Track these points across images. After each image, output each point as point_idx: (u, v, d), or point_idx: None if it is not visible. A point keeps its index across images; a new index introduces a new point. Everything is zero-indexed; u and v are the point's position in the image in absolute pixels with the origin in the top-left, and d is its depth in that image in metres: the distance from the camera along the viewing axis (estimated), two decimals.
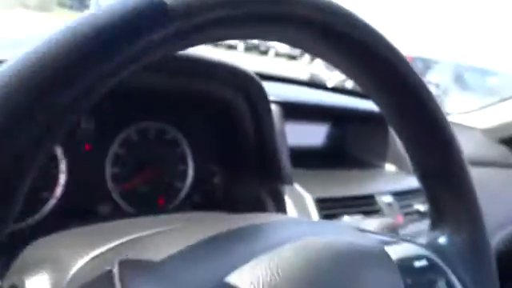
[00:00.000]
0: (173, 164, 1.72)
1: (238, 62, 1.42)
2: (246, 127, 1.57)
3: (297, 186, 1.75)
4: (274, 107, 1.74)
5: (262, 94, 1.52)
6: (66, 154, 1.45)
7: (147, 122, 1.66)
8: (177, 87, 1.47)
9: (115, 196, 1.56)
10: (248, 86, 1.47)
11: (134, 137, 1.63)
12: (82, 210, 1.48)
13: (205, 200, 1.77)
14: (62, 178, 1.44)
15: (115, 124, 1.57)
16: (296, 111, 2.04)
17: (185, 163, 1.76)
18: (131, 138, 1.62)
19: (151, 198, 1.66)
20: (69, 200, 1.45)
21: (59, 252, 0.60)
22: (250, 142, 1.61)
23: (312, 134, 2.41)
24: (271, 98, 1.60)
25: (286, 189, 1.71)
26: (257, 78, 1.47)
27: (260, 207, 1.67)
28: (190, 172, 1.76)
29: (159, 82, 1.42)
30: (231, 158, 1.81)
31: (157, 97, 1.57)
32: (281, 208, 1.67)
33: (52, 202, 1.42)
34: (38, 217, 1.39)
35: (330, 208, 1.72)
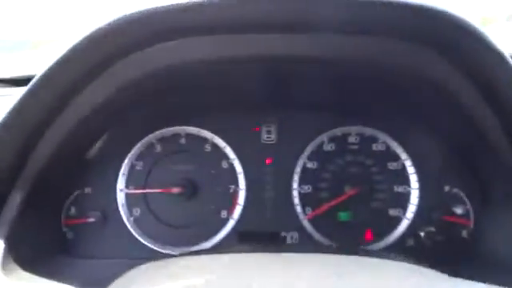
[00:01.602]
0: (387, 184, 1.23)
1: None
2: (490, 130, 0.92)
3: None
4: None
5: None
6: (245, 168, 1.24)
7: (346, 128, 1.26)
8: (376, 69, 0.99)
9: (304, 222, 1.23)
10: (483, 56, 0.83)
11: (329, 146, 1.26)
12: (266, 234, 1.22)
13: (439, 240, 1.18)
14: (242, 196, 1.24)
15: (302, 132, 1.25)
16: None
17: (406, 183, 1.23)
18: (324, 148, 1.26)
19: (354, 230, 1.22)
20: (249, 221, 1.22)
21: None
22: (500, 151, 0.93)
23: None
24: None
25: None
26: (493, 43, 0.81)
27: None
28: (415, 196, 1.22)
29: (350, 64, 0.98)
30: (479, 175, 1.14)
31: (352, 90, 1.14)
32: None
33: (231, 223, 1.23)
34: (216, 238, 1.22)
35: None
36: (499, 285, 0.87)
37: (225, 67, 0.94)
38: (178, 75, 0.97)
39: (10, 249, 0.95)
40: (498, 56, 0.80)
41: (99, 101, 0.95)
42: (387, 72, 0.93)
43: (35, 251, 1.04)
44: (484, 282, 0.89)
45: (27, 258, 0.99)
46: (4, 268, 0.92)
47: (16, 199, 0.98)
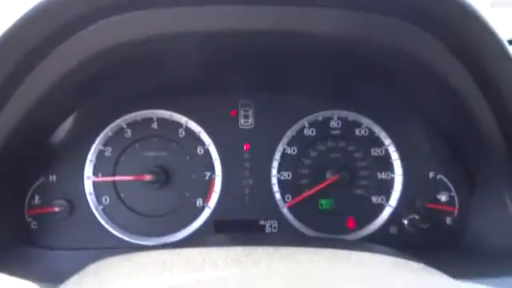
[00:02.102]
0: (369, 170, 1.18)
1: None
2: (479, 113, 0.87)
3: None
4: None
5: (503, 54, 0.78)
6: (221, 154, 1.17)
7: (327, 111, 1.19)
8: (358, 51, 0.92)
9: (284, 210, 1.17)
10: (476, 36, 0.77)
11: (310, 131, 1.19)
12: (244, 223, 1.16)
13: (423, 228, 1.14)
14: (218, 184, 1.17)
15: (282, 116, 1.18)
16: None
17: (389, 170, 1.18)
18: (305, 133, 1.20)
19: (336, 218, 1.17)
20: (226, 210, 1.16)
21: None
22: (489, 135, 0.88)
23: None
24: None
25: None
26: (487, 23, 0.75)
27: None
28: (399, 183, 1.17)
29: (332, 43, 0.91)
30: (465, 161, 1.09)
31: (336, 71, 1.07)
32: None
33: (207, 212, 1.17)
34: (191, 228, 1.16)
35: None
36: (485, 271, 0.84)
37: (194, 43, 0.86)
38: (138, 52, 0.89)
39: None
40: (491, 35, 0.75)
41: (57, 75, 0.86)
42: (375, 50, 0.87)
43: None
44: (469, 269, 0.86)
45: None
46: None
47: None
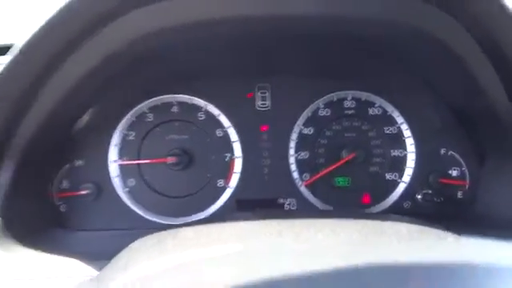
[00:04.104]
0: (383, 148, 1.23)
1: None
2: (491, 88, 0.90)
3: None
4: None
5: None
6: (240, 135, 1.21)
7: (341, 92, 1.23)
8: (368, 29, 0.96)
9: (302, 188, 1.22)
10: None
11: (324, 112, 1.24)
12: (264, 201, 1.21)
13: (436, 202, 1.18)
14: (238, 165, 1.22)
15: (297, 97, 1.23)
16: None
17: (402, 147, 1.23)
18: (320, 113, 1.24)
19: (352, 195, 1.22)
20: (246, 189, 1.21)
21: None
22: (500, 110, 0.92)
23: None
24: None
25: None
26: None
27: None
28: (411, 160, 1.22)
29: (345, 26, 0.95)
30: (475, 137, 1.14)
31: (348, 51, 1.11)
32: None
33: (228, 192, 1.22)
34: (214, 207, 1.21)
35: None
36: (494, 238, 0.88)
37: (212, 30, 0.90)
38: (163, 40, 0.93)
39: (6, 224, 0.92)
40: (500, 6, 0.78)
41: (83, 71, 0.91)
42: (386, 28, 0.90)
43: (29, 226, 1.01)
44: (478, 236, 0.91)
45: (22, 233, 0.96)
46: (1, 244, 0.89)
47: (6, 174, 0.94)
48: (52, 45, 0.81)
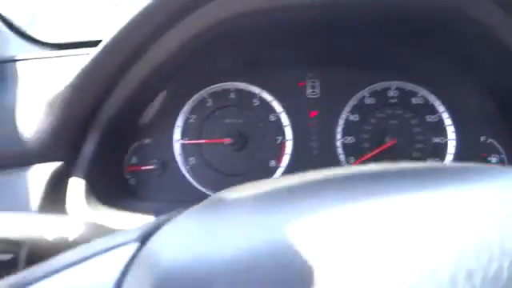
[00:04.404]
0: (424, 135, 1.31)
1: None
2: None
3: None
4: None
5: None
6: (291, 120, 1.33)
7: (386, 82, 1.33)
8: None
9: None
10: None
11: (369, 100, 1.34)
12: None
13: None
14: (289, 146, 1.33)
15: (345, 87, 1.33)
16: None
17: (443, 135, 1.31)
18: (365, 101, 1.34)
19: None
20: (296, 169, 1.31)
21: None
22: None
23: None
24: None
25: None
26: None
27: None
28: (452, 146, 1.29)
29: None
30: None
31: (392, 41, 1.21)
32: None
33: (280, 171, 1.33)
34: None
35: None
36: None
37: (279, 16, 1.02)
38: (234, 27, 1.05)
39: (89, 187, 1.07)
40: None
41: (161, 60, 1.05)
42: (430, 13, 0.99)
43: (106, 193, 1.16)
44: None
45: (102, 198, 1.11)
46: (89, 204, 1.04)
47: (90, 145, 1.09)
48: (137, 37, 0.95)
